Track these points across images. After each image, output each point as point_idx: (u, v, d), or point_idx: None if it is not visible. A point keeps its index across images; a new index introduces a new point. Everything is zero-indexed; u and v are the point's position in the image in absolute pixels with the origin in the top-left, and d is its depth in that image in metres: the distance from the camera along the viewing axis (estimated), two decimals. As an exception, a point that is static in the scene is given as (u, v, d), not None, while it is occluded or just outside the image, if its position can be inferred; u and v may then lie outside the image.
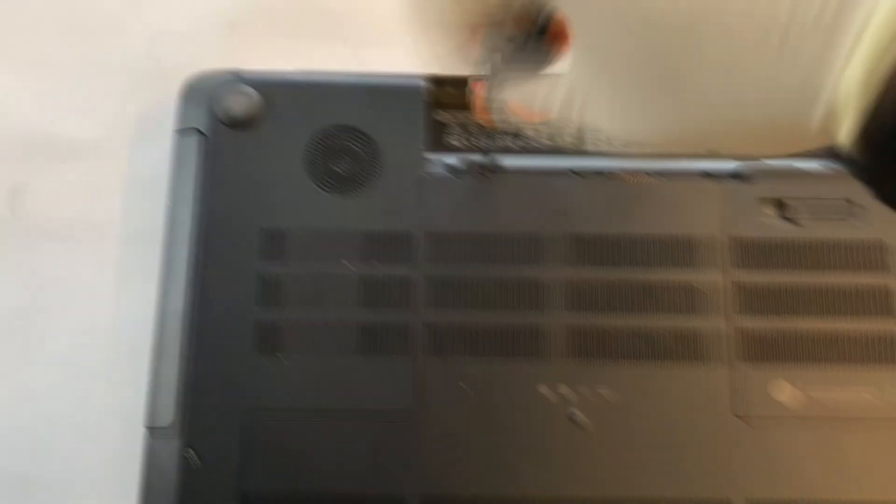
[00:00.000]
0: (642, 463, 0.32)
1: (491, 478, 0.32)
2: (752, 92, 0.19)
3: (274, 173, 0.35)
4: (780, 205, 0.35)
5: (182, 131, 0.36)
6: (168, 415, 0.32)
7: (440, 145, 0.37)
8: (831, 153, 0.19)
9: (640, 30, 0.20)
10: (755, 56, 0.19)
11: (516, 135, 0.38)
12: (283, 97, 0.36)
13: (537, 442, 0.32)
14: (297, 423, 0.32)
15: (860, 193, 0.35)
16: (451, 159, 0.36)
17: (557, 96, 0.24)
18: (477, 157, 0.36)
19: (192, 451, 0.32)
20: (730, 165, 0.37)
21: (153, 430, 0.32)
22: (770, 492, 0.32)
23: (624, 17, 0.20)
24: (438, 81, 0.37)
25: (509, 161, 0.36)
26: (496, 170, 0.36)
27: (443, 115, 0.38)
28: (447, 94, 0.37)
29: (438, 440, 0.32)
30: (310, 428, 0.32)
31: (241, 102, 0.35)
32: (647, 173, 0.36)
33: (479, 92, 0.27)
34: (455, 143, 0.37)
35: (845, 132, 0.17)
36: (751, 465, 0.32)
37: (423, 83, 0.36)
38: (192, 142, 0.35)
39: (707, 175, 0.36)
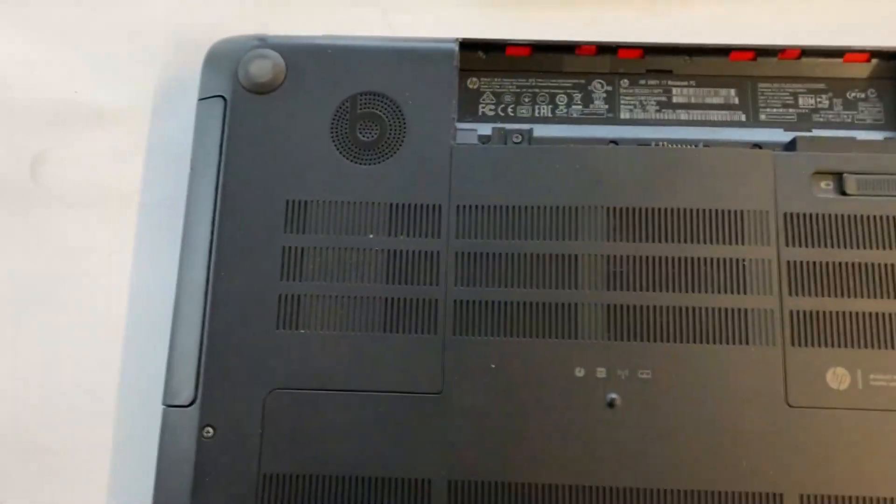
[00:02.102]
0: (684, 453, 0.30)
1: (521, 463, 0.30)
2: None
3: (298, 141, 0.33)
4: (837, 178, 0.33)
5: (205, 98, 0.34)
6: (187, 393, 0.31)
7: (472, 113, 0.35)
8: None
9: None
10: None
11: (551, 102, 0.36)
12: (309, 62, 0.34)
13: (571, 427, 0.30)
14: (320, 401, 0.31)
15: (926, 166, 0.32)
16: (483, 128, 0.34)
17: None
18: (510, 126, 0.34)
19: (211, 430, 0.30)
20: (780, 134, 0.35)
21: (171, 408, 0.31)
22: (825, 488, 0.30)
23: None
24: (471, 46, 0.35)
25: (543, 130, 0.34)
26: (529, 139, 0.34)
27: (475, 82, 0.36)
28: (480, 59, 0.35)
29: (466, 423, 0.30)
30: (332, 407, 0.30)
31: (264, 68, 0.34)
32: (693, 143, 0.34)
33: None
34: (487, 111, 0.36)
35: None
36: (804, 458, 0.30)
37: (454, 48, 0.34)
38: (216, 109, 0.34)
39: (757, 146, 0.34)
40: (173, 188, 0.36)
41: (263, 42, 0.35)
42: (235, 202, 0.33)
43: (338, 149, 0.33)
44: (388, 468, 0.30)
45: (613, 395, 0.30)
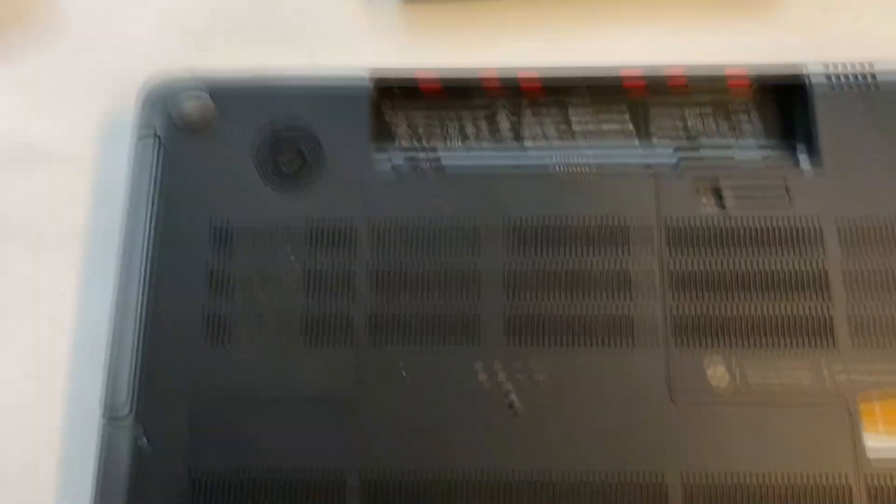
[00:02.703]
0: (578, 444, 0.33)
1: (429, 459, 0.33)
2: None
3: (227, 174, 0.36)
4: (716, 193, 0.36)
5: (141, 136, 0.37)
6: (123, 405, 0.34)
7: (388, 142, 0.39)
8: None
9: None
10: None
11: (463, 134, 0.39)
12: (235, 98, 0.37)
13: (475, 425, 0.33)
14: (245, 409, 0.33)
15: (798, 181, 0.36)
16: (397, 157, 0.37)
17: None
18: (420, 155, 0.37)
19: (145, 439, 0.33)
20: (669, 156, 0.38)
21: (109, 421, 0.34)
22: (705, 473, 0.32)
23: None
24: (384, 80, 0.38)
25: (451, 159, 0.37)
26: (437, 167, 0.37)
27: (389, 114, 0.39)
28: (394, 92, 0.39)
29: (378, 424, 0.33)
30: (256, 414, 0.33)
31: (193, 106, 0.37)
32: (586, 165, 0.37)
33: None
34: (402, 141, 0.39)
35: None
36: (685, 444, 0.33)
37: (368, 82, 0.37)
38: (149, 146, 0.37)
39: (648, 165, 0.37)
40: (114, 225, 0.39)
41: (191, 79, 0.38)
42: (168, 230, 0.36)
43: (262, 179, 0.36)
44: (307, 469, 0.33)
45: (513, 397, 0.33)
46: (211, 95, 0.37)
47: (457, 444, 0.33)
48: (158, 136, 0.37)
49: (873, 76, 0.37)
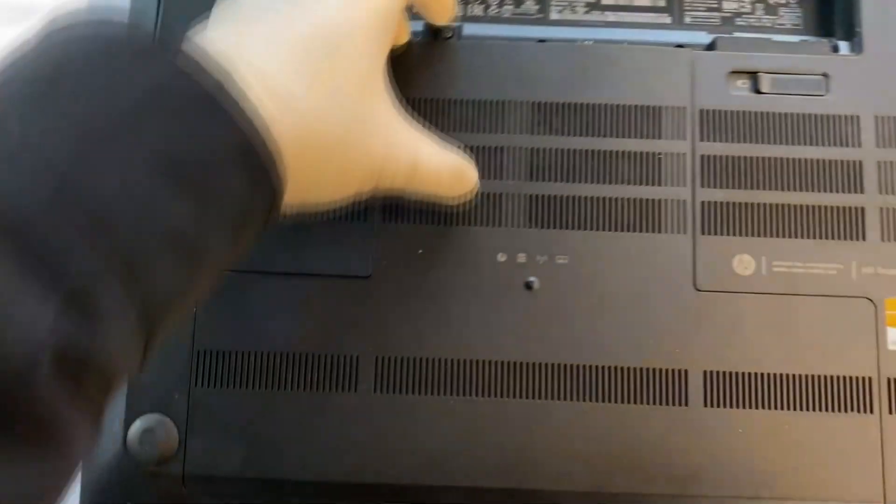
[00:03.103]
0: (597, 333, 0.32)
1: (444, 341, 0.32)
2: None
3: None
4: (752, 77, 0.34)
5: None
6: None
7: (407, 10, 0.36)
8: None
9: None
10: None
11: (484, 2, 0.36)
12: None
13: (492, 308, 0.32)
14: (253, 283, 0.32)
15: (837, 68, 0.34)
16: (416, 24, 0.35)
17: None
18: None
19: (147, 311, 0.32)
20: (703, 36, 0.36)
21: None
22: (727, 365, 0.32)
23: None
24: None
25: (473, 28, 0.35)
26: (459, 35, 0.34)
27: (408, -20, 0.36)
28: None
29: (394, 304, 0.32)
30: (265, 288, 0.32)
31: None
32: (616, 41, 0.35)
33: None
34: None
35: None
36: (709, 338, 0.32)
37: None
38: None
39: (679, 45, 0.35)
40: None
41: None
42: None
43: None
44: (319, 346, 0.32)
45: (532, 279, 0.32)
46: None
47: (473, 325, 0.32)
48: None
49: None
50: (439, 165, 0.29)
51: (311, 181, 0.25)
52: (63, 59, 0.20)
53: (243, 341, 0.32)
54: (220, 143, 0.21)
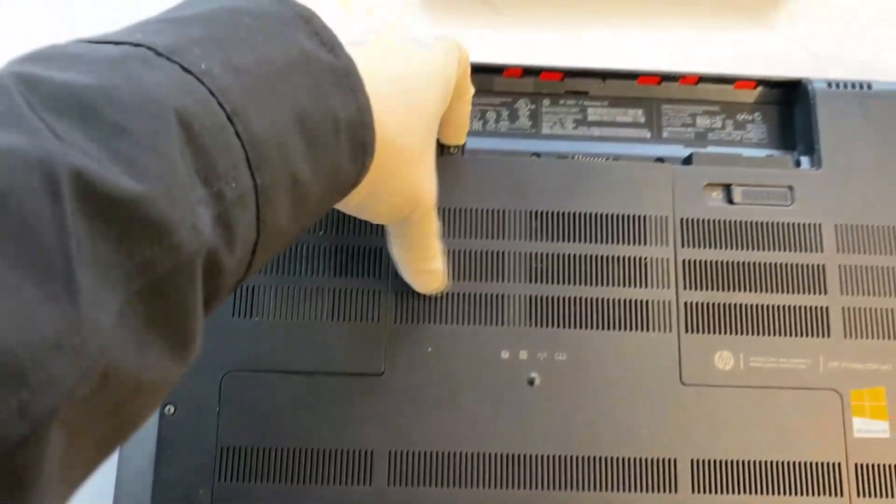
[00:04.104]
0: (593, 425, 0.34)
1: (453, 435, 0.34)
2: None
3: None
4: (726, 189, 0.38)
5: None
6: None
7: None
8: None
9: None
10: None
11: (482, 119, 0.40)
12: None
13: (497, 403, 0.34)
14: (272, 382, 0.34)
15: (800, 181, 0.38)
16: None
17: None
18: (446, 138, 0.38)
19: (172, 408, 0.33)
20: (680, 150, 0.40)
21: (134, 388, 0.34)
22: (713, 453, 0.35)
23: None
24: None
25: (475, 143, 0.39)
26: (463, 151, 0.38)
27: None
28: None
29: (405, 400, 0.34)
30: (283, 387, 0.34)
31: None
32: (604, 156, 0.39)
33: None
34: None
35: None
36: (696, 428, 0.35)
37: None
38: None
39: (660, 160, 0.39)
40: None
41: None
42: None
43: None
44: (335, 441, 0.34)
45: (534, 375, 0.35)
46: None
47: (479, 419, 0.34)
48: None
49: (869, 85, 0.40)
50: (436, 228, 0.33)
51: (375, 186, 0.29)
52: (240, 14, 0.24)
53: (263, 438, 0.33)
54: (342, 112, 0.25)
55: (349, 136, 0.25)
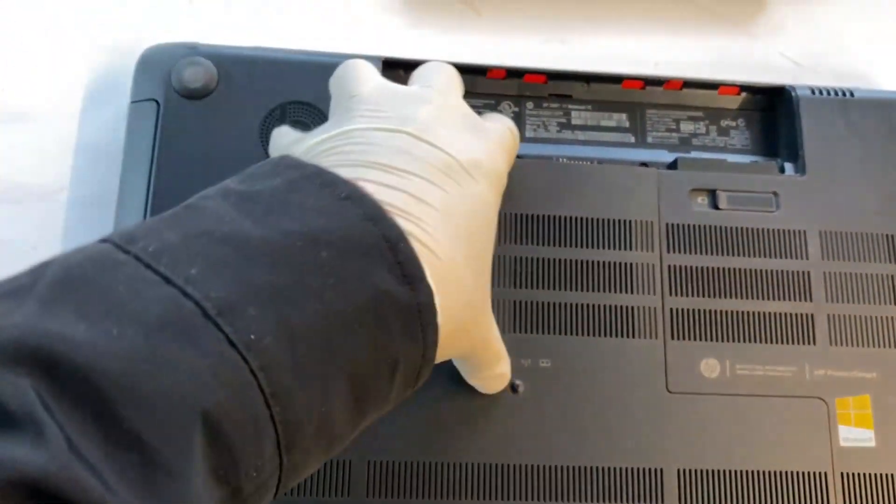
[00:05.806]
0: (578, 433, 0.33)
1: (435, 444, 0.33)
2: None
3: (229, 144, 0.35)
4: (711, 194, 0.37)
5: (138, 101, 0.36)
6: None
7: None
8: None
9: None
10: None
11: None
12: (239, 71, 0.36)
13: (479, 410, 0.33)
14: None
15: (785, 187, 0.38)
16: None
17: None
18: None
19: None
20: (664, 154, 0.39)
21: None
22: (699, 463, 0.34)
23: None
24: (393, 64, 0.38)
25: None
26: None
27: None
28: (401, 77, 0.38)
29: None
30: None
31: (197, 74, 0.36)
32: (588, 160, 0.38)
33: None
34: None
35: None
36: (682, 437, 0.34)
37: (378, 64, 0.37)
38: (148, 111, 0.35)
39: (644, 164, 0.39)
40: (99, 186, 0.37)
41: (194, 49, 0.37)
42: (164, 199, 0.34)
43: (266, 153, 0.35)
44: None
45: (517, 382, 0.34)
46: (215, 66, 0.36)
47: (462, 427, 0.33)
48: (157, 102, 0.35)
49: (851, 92, 0.40)
50: (499, 351, 0.31)
51: (449, 344, 0.26)
52: (316, 246, 0.21)
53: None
54: (404, 355, 0.23)
55: (406, 372, 0.24)
